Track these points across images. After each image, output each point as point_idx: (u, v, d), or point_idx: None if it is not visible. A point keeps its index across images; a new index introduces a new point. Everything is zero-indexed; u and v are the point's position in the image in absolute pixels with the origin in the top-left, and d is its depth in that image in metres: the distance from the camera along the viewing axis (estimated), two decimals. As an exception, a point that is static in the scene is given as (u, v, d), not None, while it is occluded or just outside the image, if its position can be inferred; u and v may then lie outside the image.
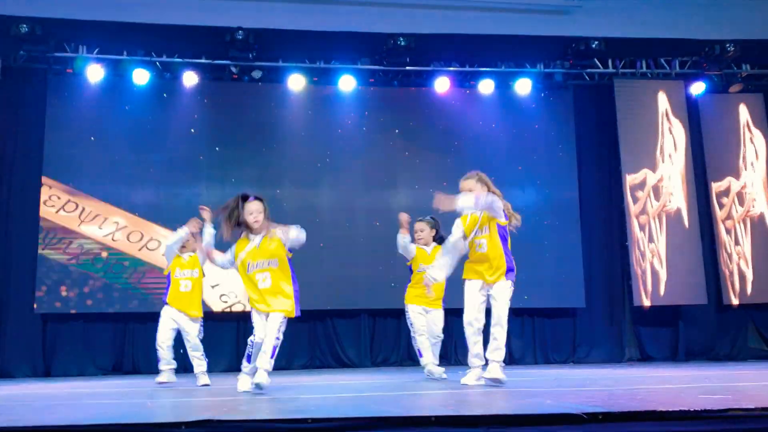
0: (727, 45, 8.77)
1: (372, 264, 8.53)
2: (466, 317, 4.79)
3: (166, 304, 5.96)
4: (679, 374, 5.80)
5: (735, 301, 9.02)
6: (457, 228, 4.98)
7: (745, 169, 9.36)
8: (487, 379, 4.61)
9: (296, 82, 8.86)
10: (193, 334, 5.88)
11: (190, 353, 5.91)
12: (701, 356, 9.01)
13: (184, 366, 8.01)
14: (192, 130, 8.72)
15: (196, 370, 5.90)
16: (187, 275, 5.92)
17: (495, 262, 4.76)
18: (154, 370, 7.99)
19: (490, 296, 4.78)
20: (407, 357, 8.57)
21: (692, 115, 9.44)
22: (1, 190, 8.36)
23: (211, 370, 6.56)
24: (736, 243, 9.16)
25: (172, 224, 8.27)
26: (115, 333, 8.33)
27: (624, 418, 2.65)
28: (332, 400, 3.91)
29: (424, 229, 6.04)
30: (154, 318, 8.19)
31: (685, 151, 9.23)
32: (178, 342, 6.02)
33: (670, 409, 2.71)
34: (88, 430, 2.51)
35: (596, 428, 2.60)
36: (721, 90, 9.56)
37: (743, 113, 9.50)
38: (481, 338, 4.82)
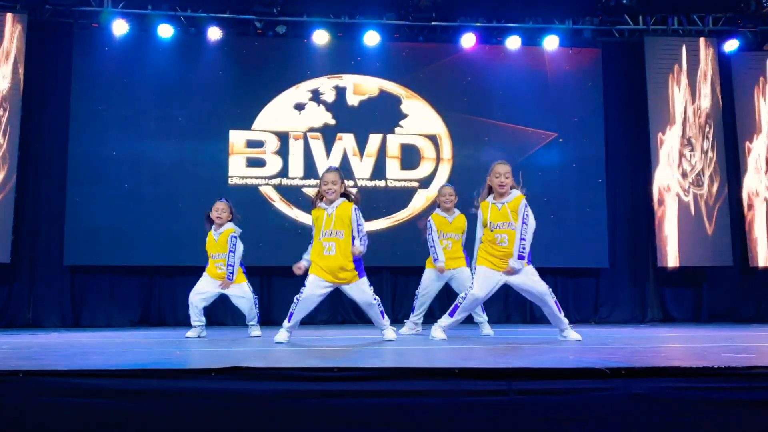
0: (764, 0, 8.51)
1: (394, 222, 8.59)
2: None
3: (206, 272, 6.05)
4: (703, 334, 5.79)
5: (761, 264, 8.92)
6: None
7: (778, 129, 9.17)
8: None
9: (320, 38, 8.78)
10: (238, 294, 6.01)
11: (241, 306, 6.06)
12: (725, 318, 8.96)
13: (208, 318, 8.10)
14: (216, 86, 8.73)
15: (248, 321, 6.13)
16: (219, 258, 5.97)
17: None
18: (180, 323, 8.20)
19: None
20: (428, 314, 8.62)
21: (724, 73, 9.22)
22: (29, 147, 8.44)
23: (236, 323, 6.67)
24: (765, 204, 9.02)
25: (196, 179, 8.42)
26: (142, 285, 8.48)
27: (647, 374, 2.65)
28: (356, 351, 3.96)
29: (453, 194, 6.24)
30: (180, 272, 8.38)
31: (716, 110, 9.05)
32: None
33: (694, 366, 2.71)
34: (120, 374, 2.58)
35: (619, 383, 2.61)
36: (755, 48, 9.31)
37: (778, 71, 9.26)
38: None
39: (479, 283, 4.91)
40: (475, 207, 5.14)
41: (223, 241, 5.96)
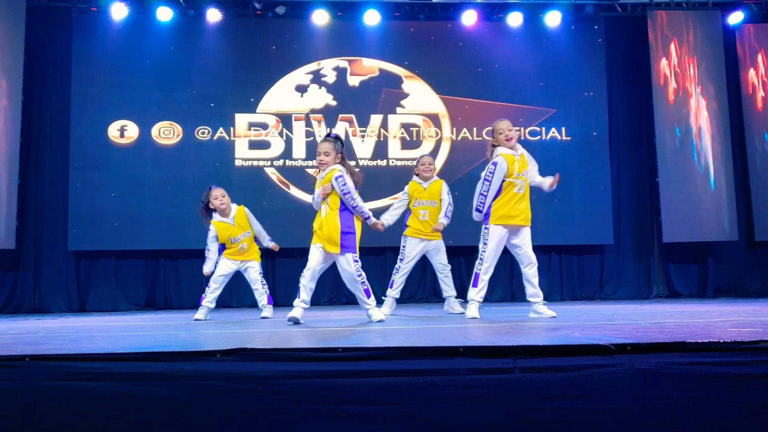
0: (769, -28, 8.40)
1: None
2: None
3: (223, 256, 5.98)
4: (708, 309, 5.78)
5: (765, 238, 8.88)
6: None
7: (783, 102, 9.09)
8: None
9: (320, 17, 8.71)
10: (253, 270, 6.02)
11: (253, 287, 6.07)
12: (731, 293, 8.95)
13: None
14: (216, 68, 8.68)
15: (259, 303, 6.11)
16: (243, 238, 5.94)
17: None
18: (186, 306, 8.23)
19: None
20: (432, 293, 8.66)
21: (729, 46, 9.13)
22: (31, 131, 8.43)
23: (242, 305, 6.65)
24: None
25: (199, 162, 8.41)
26: (147, 269, 8.50)
27: (652, 350, 2.65)
28: (361, 331, 3.97)
29: (432, 164, 6.32)
30: (185, 255, 8.38)
31: (720, 83, 8.96)
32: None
33: (699, 341, 2.70)
34: (126, 358, 2.59)
35: (624, 359, 2.61)
36: (760, 19, 9.20)
37: (783, 44, 9.15)
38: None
39: (492, 239, 5.05)
40: (491, 162, 5.12)
41: (241, 221, 5.94)
